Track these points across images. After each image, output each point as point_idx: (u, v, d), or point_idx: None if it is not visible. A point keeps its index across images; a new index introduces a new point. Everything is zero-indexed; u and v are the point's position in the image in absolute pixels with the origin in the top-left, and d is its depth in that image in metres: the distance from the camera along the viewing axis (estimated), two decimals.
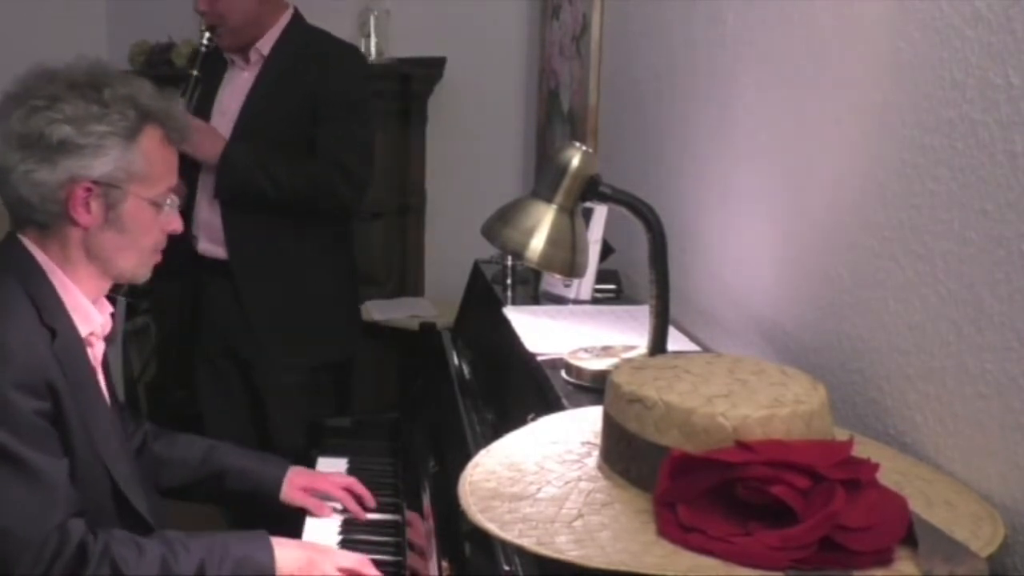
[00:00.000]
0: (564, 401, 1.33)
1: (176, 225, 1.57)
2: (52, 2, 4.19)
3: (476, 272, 2.31)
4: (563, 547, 0.85)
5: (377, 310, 3.39)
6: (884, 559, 0.81)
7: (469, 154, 3.75)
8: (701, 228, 1.73)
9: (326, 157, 2.50)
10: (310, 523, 1.77)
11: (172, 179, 1.55)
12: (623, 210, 1.31)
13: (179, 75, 2.69)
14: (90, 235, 1.48)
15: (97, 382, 1.53)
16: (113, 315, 1.61)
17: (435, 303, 3.50)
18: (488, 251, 2.03)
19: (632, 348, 1.45)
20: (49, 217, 1.46)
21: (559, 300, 1.93)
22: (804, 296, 1.34)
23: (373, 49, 3.68)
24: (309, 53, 2.58)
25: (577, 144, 1.29)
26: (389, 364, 3.43)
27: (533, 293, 2.05)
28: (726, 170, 1.63)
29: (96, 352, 1.55)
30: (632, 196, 1.30)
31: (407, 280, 3.81)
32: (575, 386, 1.40)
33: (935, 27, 1.04)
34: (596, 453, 1.00)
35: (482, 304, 2.14)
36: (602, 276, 1.97)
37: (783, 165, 1.41)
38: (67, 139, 1.42)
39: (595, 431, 1.03)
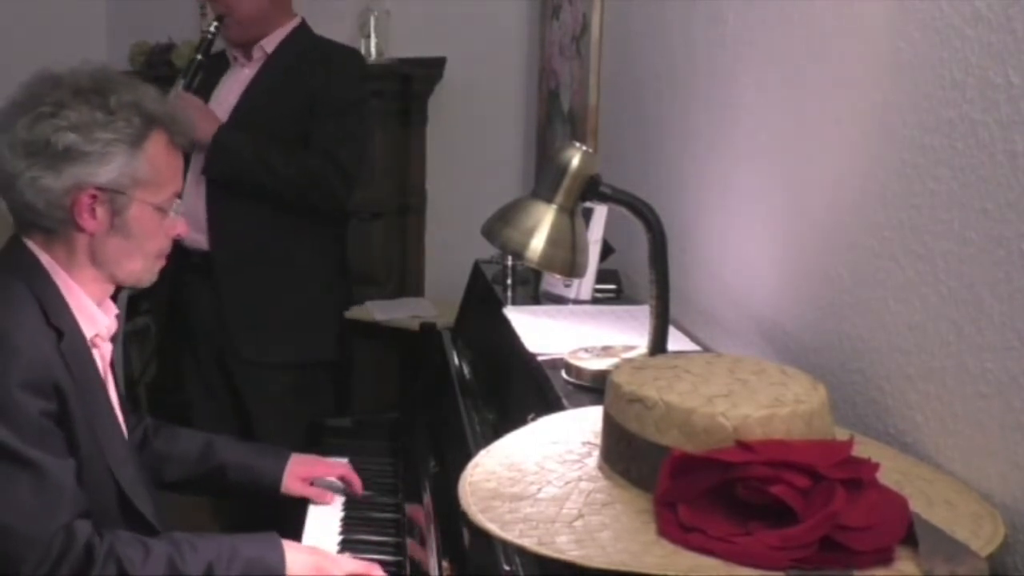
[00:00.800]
0: (564, 401, 1.33)
1: (181, 229, 1.58)
2: (52, 2, 4.19)
3: (476, 272, 2.31)
4: (564, 547, 0.85)
5: (377, 310, 3.39)
6: (885, 559, 0.81)
7: (469, 154, 3.75)
8: (701, 228, 1.73)
9: (318, 149, 2.51)
10: (312, 514, 1.77)
11: (177, 184, 1.56)
12: (623, 210, 1.31)
13: (179, 75, 2.70)
14: (96, 241, 1.48)
15: (103, 384, 1.53)
16: (118, 316, 1.61)
17: (435, 303, 3.50)
18: (488, 251, 2.03)
19: (632, 348, 1.45)
20: (55, 223, 1.46)
21: (559, 300, 1.93)
22: (804, 296, 1.34)
23: (373, 49, 3.69)
24: (311, 56, 2.59)
25: (577, 144, 1.29)
26: (389, 364, 3.43)
27: (533, 293, 2.05)
28: (726, 170, 1.63)
29: (103, 353, 1.56)
30: (632, 196, 1.30)
31: (407, 280, 3.81)
32: (575, 386, 1.40)
33: (935, 27, 1.04)
34: (596, 453, 1.00)
35: (482, 304, 2.14)
36: (602, 276, 1.97)
37: (783, 165, 1.41)
38: (73, 146, 1.42)
39: (595, 431, 1.03)
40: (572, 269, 1.29)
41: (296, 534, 1.72)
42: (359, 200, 2.96)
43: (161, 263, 1.58)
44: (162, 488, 1.78)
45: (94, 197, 1.45)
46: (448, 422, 1.76)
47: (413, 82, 3.71)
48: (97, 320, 1.52)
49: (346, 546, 1.70)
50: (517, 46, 3.64)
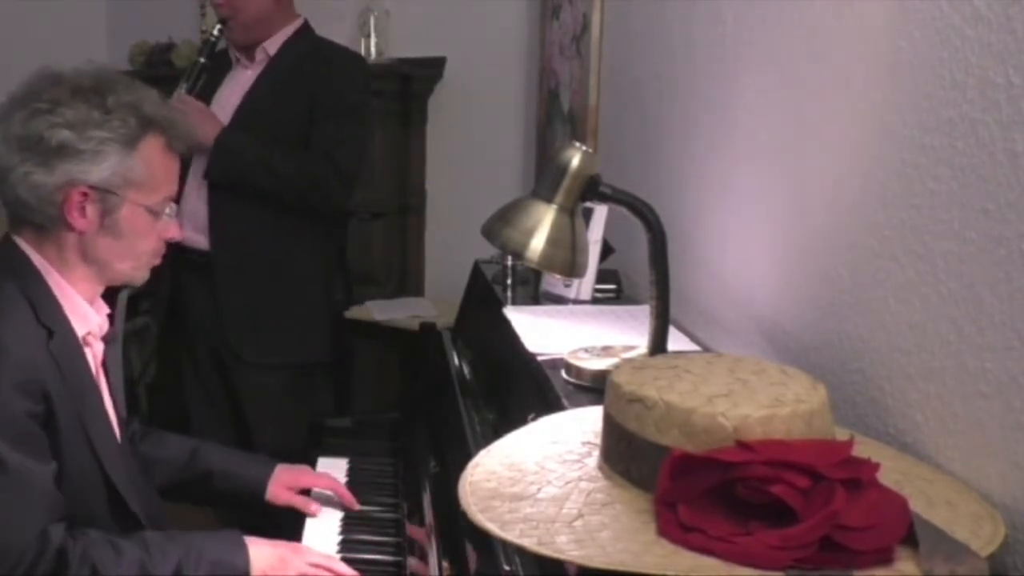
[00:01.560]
0: (564, 401, 1.33)
1: (174, 232, 1.57)
2: (52, 2, 4.19)
3: (476, 272, 2.31)
4: (564, 547, 0.85)
5: (377, 310, 3.39)
6: (885, 559, 0.81)
7: (469, 154, 3.75)
8: (701, 228, 1.73)
9: (318, 151, 2.51)
10: (310, 522, 1.76)
11: (172, 188, 1.55)
12: (623, 210, 1.31)
13: (179, 76, 2.70)
14: (86, 239, 1.48)
15: (96, 382, 1.52)
16: (112, 316, 1.61)
17: (435, 303, 3.50)
18: (488, 251, 2.03)
19: (632, 348, 1.45)
20: (46, 219, 1.46)
21: (559, 300, 1.93)
22: (804, 296, 1.34)
23: (373, 49, 3.69)
24: (314, 58, 2.59)
25: (577, 144, 1.29)
26: (389, 364, 3.43)
27: (533, 293, 2.05)
28: (726, 170, 1.63)
29: (96, 352, 1.55)
30: (632, 196, 1.30)
31: (407, 280, 3.81)
32: (575, 386, 1.40)
33: (935, 27, 1.04)
34: (596, 453, 1.00)
35: (482, 304, 2.14)
36: (602, 276, 1.97)
37: (783, 165, 1.41)
38: (66, 143, 1.42)
39: (595, 431, 1.03)
40: (572, 269, 1.29)
41: (296, 533, 1.72)
42: (359, 200, 2.96)
43: (155, 263, 1.58)
44: None
45: (85, 195, 1.45)
46: (448, 422, 1.76)
47: (413, 82, 3.71)
48: (89, 318, 1.52)
49: (346, 546, 1.70)
50: (517, 46, 3.64)
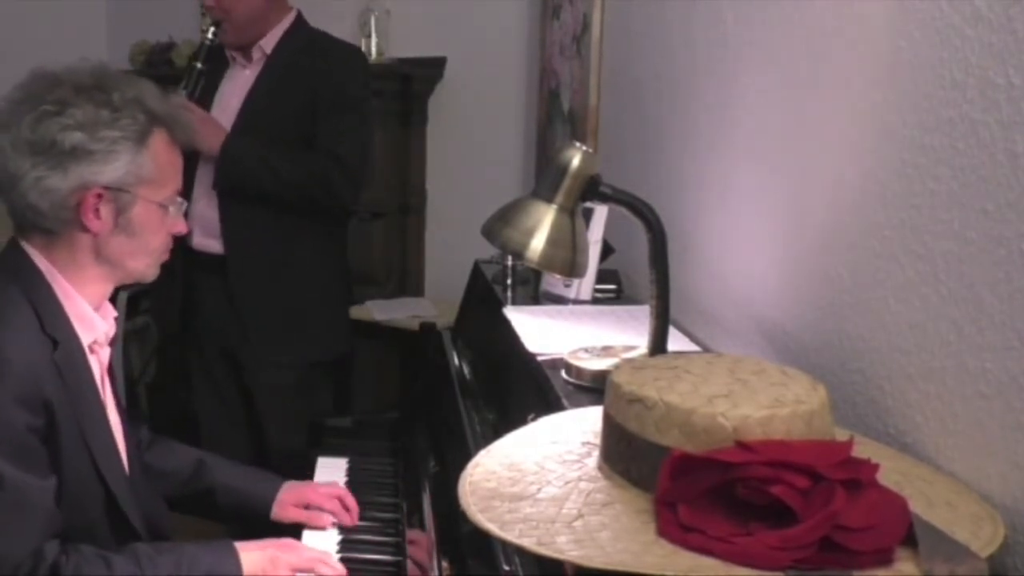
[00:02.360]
0: (564, 401, 1.33)
1: (181, 227, 1.57)
2: (52, 2, 4.19)
3: (476, 272, 2.31)
4: (563, 547, 0.85)
5: (377, 310, 3.39)
6: (884, 559, 0.81)
7: (469, 154, 3.76)
8: (701, 228, 1.73)
9: (324, 150, 2.51)
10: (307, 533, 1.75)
11: (178, 181, 1.55)
12: (623, 210, 1.31)
13: (180, 75, 2.69)
14: (100, 240, 1.46)
15: (98, 392, 1.51)
16: (116, 319, 1.60)
17: (435, 303, 3.50)
18: (488, 251, 2.03)
19: (632, 348, 1.45)
20: (58, 224, 1.44)
21: (559, 300, 1.93)
22: (804, 296, 1.34)
23: (373, 49, 3.69)
24: (311, 53, 2.59)
25: (577, 144, 1.29)
26: (389, 364, 3.43)
27: (533, 293, 2.05)
28: (726, 170, 1.63)
29: (101, 358, 1.54)
30: (632, 196, 1.30)
31: (407, 280, 3.82)
32: (575, 386, 1.40)
33: (935, 27, 1.04)
34: (596, 453, 1.00)
35: (482, 304, 2.14)
36: (602, 276, 1.97)
37: (783, 165, 1.41)
38: (79, 145, 1.41)
39: (595, 431, 1.03)
40: (572, 269, 1.29)
41: (296, 532, 1.72)
42: (359, 200, 2.96)
43: (165, 258, 1.57)
44: None
45: (99, 197, 1.43)
46: (448, 422, 1.76)
47: (413, 82, 3.71)
48: (95, 326, 1.50)
49: (346, 546, 1.70)
50: (517, 46, 3.64)
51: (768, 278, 1.46)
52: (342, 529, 1.75)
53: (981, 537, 0.86)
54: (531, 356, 1.54)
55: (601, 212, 1.87)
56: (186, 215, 2.53)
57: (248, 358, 2.60)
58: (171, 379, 3.68)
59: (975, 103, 0.97)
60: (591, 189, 1.27)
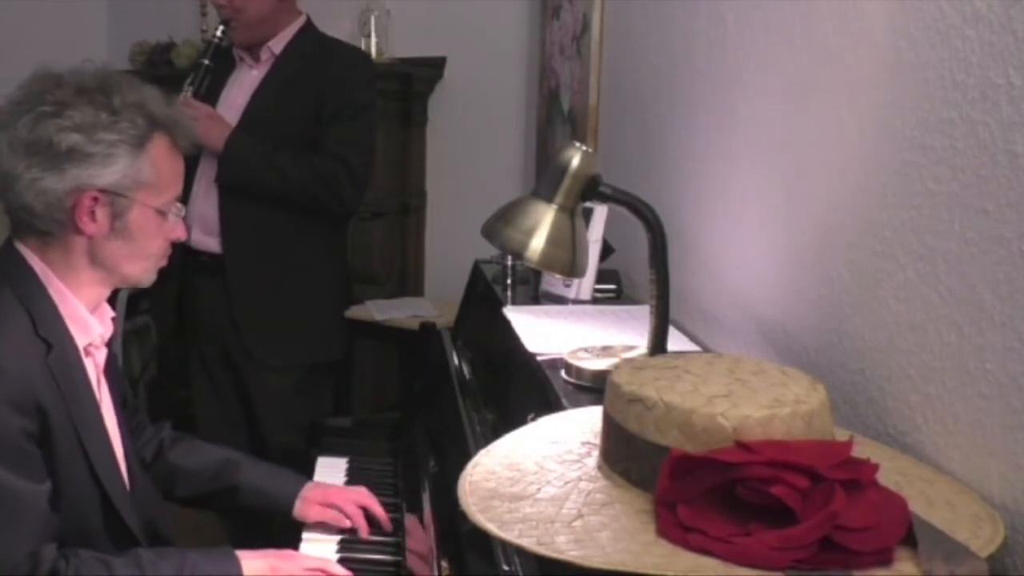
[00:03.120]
0: (564, 401, 1.32)
1: (180, 233, 1.55)
2: (53, 2, 4.19)
3: (476, 272, 2.31)
4: (563, 547, 0.85)
5: (377, 310, 3.39)
6: (884, 559, 0.81)
7: (469, 154, 3.76)
8: (701, 228, 1.73)
9: (331, 154, 2.51)
10: (307, 535, 1.74)
11: (178, 187, 1.53)
12: (623, 210, 1.31)
13: (180, 75, 2.70)
14: (95, 244, 1.45)
15: (94, 395, 1.49)
16: (114, 319, 1.59)
17: (435, 303, 3.50)
18: (488, 251, 2.03)
19: (632, 348, 1.45)
20: (53, 225, 1.43)
21: (559, 300, 1.93)
22: (804, 296, 1.34)
23: (373, 49, 3.69)
24: (319, 56, 2.59)
25: (577, 144, 1.29)
26: (389, 364, 3.43)
27: (533, 293, 2.05)
28: (726, 170, 1.63)
29: (97, 361, 1.53)
30: (632, 196, 1.30)
31: (407, 280, 3.82)
32: (575, 386, 1.40)
33: (935, 27, 1.04)
34: (596, 453, 1.00)
35: (482, 304, 2.14)
36: (602, 276, 1.97)
37: (783, 165, 1.41)
38: (76, 147, 1.39)
39: (595, 431, 1.02)
40: (572, 269, 1.29)
41: (296, 533, 1.72)
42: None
43: (162, 263, 1.56)
44: (172, 501, 1.76)
45: (95, 200, 1.42)
46: (448, 422, 1.76)
47: (413, 82, 3.71)
48: (91, 328, 1.49)
49: (346, 546, 1.70)
50: (517, 46, 3.64)
51: (768, 278, 1.46)
52: (342, 529, 1.75)
53: (981, 537, 0.86)
54: (531, 356, 1.54)
55: (601, 212, 1.87)
56: (186, 212, 2.54)
57: (245, 359, 2.59)
58: (171, 379, 3.68)
59: (975, 103, 0.97)
60: (591, 189, 1.27)
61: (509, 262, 2.08)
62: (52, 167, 1.40)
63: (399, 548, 1.69)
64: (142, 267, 1.52)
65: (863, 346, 1.18)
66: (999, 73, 0.93)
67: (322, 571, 1.56)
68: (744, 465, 0.83)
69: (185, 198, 2.49)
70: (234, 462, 1.78)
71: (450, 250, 3.55)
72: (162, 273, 1.60)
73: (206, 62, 2.55)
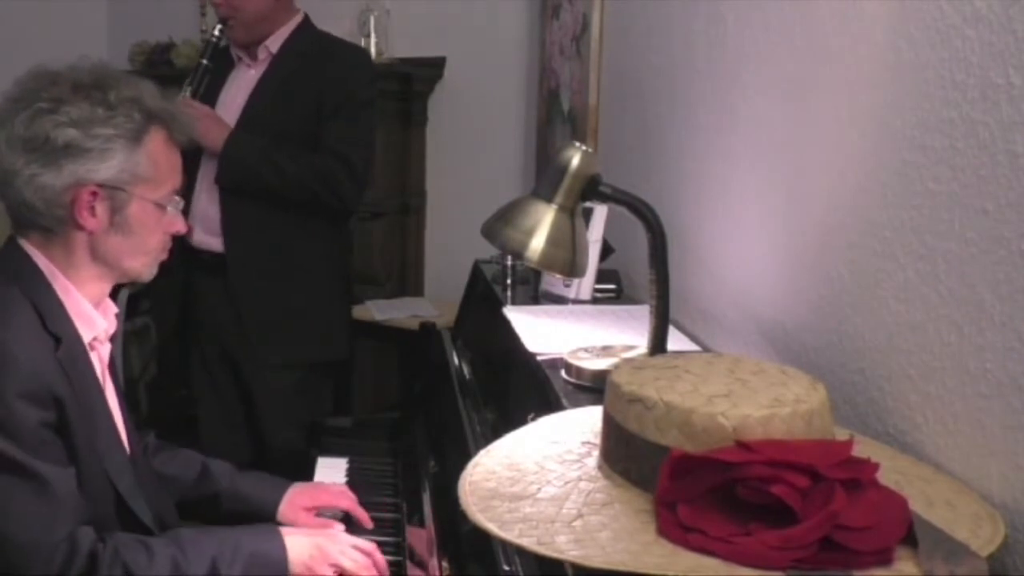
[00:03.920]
0: (564, 401, 1.32)
1: (180, 226, 1.56)
2: (53, 2, 4.19)
3: (476, 272, 2.31)
4: (563, 547, 0.85)
5: (377, 310, 3.39)
6: (884, 559, 0.81)
7: (469, 154, 3.76)
8: (701, 228, 1.73)
9: (331, 151, 2.50)
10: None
11: (176, 180, 1.54)
12: (623, 210, 1.31)
13: (180, 75, 2.70)
14: (95, 239, 1.46)
15: (101, 389, 1.51)
16: (117, 315, 1.59)
17: (435, 303, 3.50)
18: (488, 251, 2.03)
19: (632, 348, 1.45)
20: (53, 221, 1.44)
21: (559, 300, 1.93)
22: (804, 296, 1.34)
23: (373, 49, 3.69)
24: (318, 54, 2.59)
25: (577, 144, 1.29)
26: (389, 364, 3.43)
27: (533, 293, 2.05)
28: (726, 170, 1.63)
29: (102, 355, 1.54)
30: (632, 196, 1.30)
31: (407, 280, 3.82)
32: (575, 386, 1.40)
33: (935, 27, 1.04)
34: (596, 453, 1.00)
35: (482, 304, 2.14)
36: (602, 276, 1.97)
37: (783, 165, 1.41)
38: (73, 142, 1.40)
39: (595, 431, 1.03)
40: (572, 269, 1.29)
41: None
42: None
43: (163, 257, 1.56)
44: None
45: (94, 194, 1.43)
46: (448, 422, 1.76)
47: (413, 82, 3.71)
48: (95, 323, 1.50)
49: None
50: (517, 46, 3.64)
51: (768, 278, 1.46)
52: (343, 528, 1.75)
53: (981, 537, 0.86)
54: (531, 356, 1.54)
55: (601, 212, 1.87)
56: (187, 212, 2.54)
57: (247, 358, 2.59)
58: (171, 379, 3.68)
59: (975, 103, 0.97)
60: (591, 189, 1.27)
61: (509, 262, 2.08)
62: (50, 163, 1.41)
63: (399, 548, 1.69)
64: (142, 261, 1.52)
65: (863, 346, 1.18)
66: (999, 73, 0.94)
67: (369, 555, 1.55)
68: (744, 465, 0.83)
69: (187, 198, 2.51)
70: (216, 470, 1.77)
71: (450, 250, 3.55)
72: (162, 268, 1.60)
73: (204, 62, 2.55)
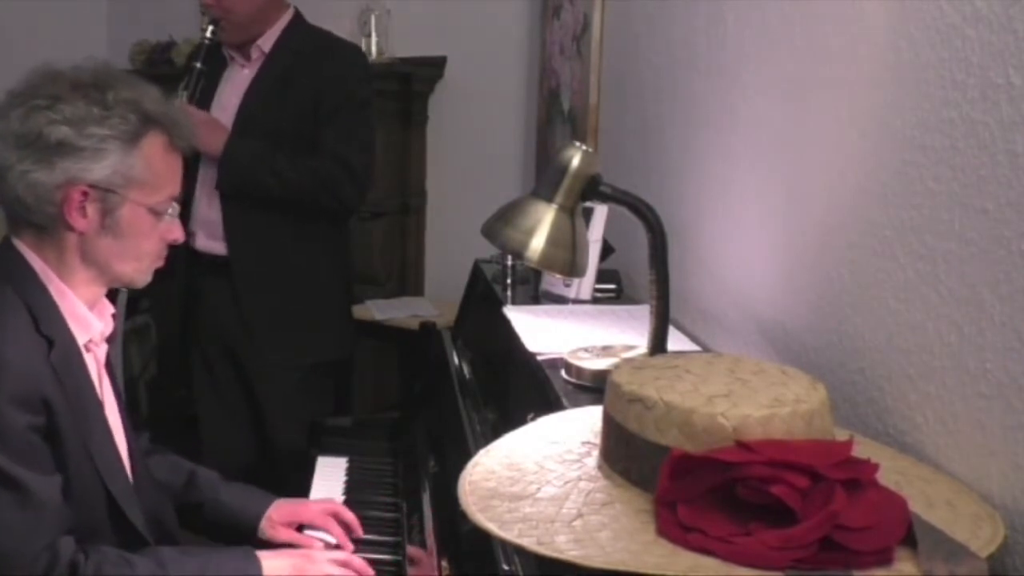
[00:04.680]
0: (564, 401, 1.32)
1: (177, 234, 1.53)
2: (53, 2, 4.19)
3: (476, 272, 2.31)
4: (563, 547, 0.85)
5: (377, 310, 3.39)
6: (884, 559, 0.81)
7: (469, 154, 3.76)
8: (701, 228, 1.73)
9: (331, 154, 2.50)
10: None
11: (174, 187, 1.51)
12: (623, 210, 1.31)
13: (180, 74, 2.69)
14: (86, 240, 1.44)
15: (95, 392, 1.49)
16: (114, 315, 1.58)
17: (435, 303, 3.50)
18: (488, 251, 2.03)
19: (632, 348, 1.45)
20: (45, 219, 1.43)
21: (559, 300, 1.93)
22: (804, 296, 1.34)
23: (373, 48, 3.69)
24: (311, 51, 2.58)
25: (577, 144, 1.29)
26: (389, 364, 3.43)
27: (533, 293, 2.05)
28: (726, 170, 1.63)
29: (98, 356, 1.53)
30: (632, 196, 1.30)
31: (407, 280, 3.82)
32: (575, 386, 1.40)
33: (935, 27, 1.04)
34: (596, 453, 1.00)
35: (482, 304, 2.14)
36: (602, 276, 1.97)
37: (783, 165, 1.41)
38: (65, 140, 1.39)
39: (595, 431, 1.02)
40: (572, 269, 1.29)
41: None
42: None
43: (158, 264, 1.54)
44: None
45: (85, 195, 1.41)
46: (448, 422, 1.76)
47: (413, 82, 3.71)
48: (91, 325, 1.49)
49: None
50: (517, 46, 3.64)
51: (768, 278, 1.46)
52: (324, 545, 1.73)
53: (981, 537, 0.86)
54: (531, 356, 1.54)
55: (601, 212, 1.87)
56: (189, 217, 2.53)
57: (251, 359, 2.59)
58: (171, 379, 3.68)
59: (975, 103, 0.97)
60: (591, 189, 1.27)
61: (509, 262, 2.08)
62: (42, 160, 1.40)
63: (399, 548, 1.69)
64: (134, 267, 1.50)
65: (863, 346, 1.18)
66: (999, 73, 0.94)
67: (346, 564, 1.55)
68: (744, 465, 0.83)
69: (188, 202, 2.51)
70: (202, 479, 1.75)
71: (450, 250, 3.55)
72: (161, 274, 1.59)
73: (198, 65, 2.53)
